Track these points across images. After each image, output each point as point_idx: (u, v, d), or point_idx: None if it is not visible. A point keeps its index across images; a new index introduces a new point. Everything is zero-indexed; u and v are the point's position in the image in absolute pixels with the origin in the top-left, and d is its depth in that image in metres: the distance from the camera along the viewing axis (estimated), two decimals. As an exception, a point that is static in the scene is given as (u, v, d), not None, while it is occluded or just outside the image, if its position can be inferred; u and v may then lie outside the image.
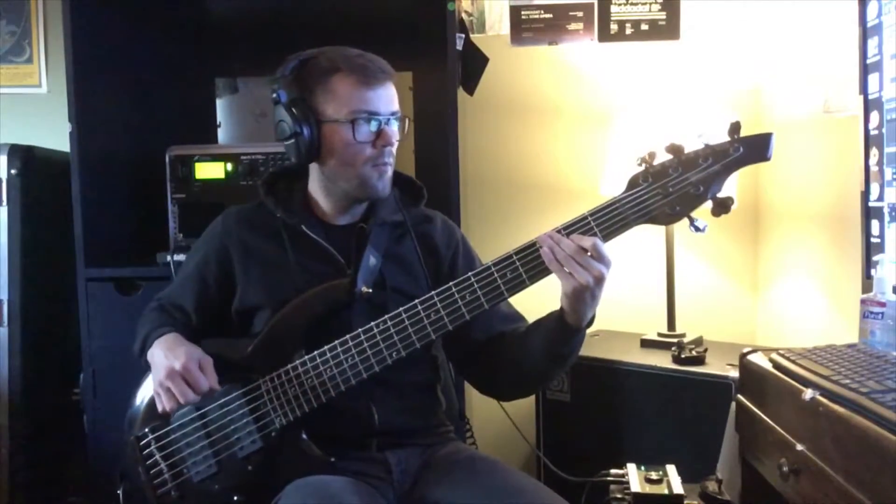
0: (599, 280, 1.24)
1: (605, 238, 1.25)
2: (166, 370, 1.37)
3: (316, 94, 1.40)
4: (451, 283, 1.31)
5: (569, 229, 1.26)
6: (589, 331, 2.31)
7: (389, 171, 1.45)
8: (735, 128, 1.22)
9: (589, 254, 1.23)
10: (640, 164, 1.25)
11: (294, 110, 1.40)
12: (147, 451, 1.46)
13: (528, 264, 1.28)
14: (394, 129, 1.43)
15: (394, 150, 1.44)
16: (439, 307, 1.30)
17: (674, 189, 1.23)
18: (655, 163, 1.25)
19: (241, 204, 1.58)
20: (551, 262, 1.25)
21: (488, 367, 1.50)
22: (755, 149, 1.22)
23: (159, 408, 1.40)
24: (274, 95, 1.42)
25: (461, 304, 1.30)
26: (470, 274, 1.30)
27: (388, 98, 1.42)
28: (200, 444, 1.41)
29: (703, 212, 1.25)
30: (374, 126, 1.40)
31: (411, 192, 1.55)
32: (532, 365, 1.41)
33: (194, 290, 1.52)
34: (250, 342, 1.43)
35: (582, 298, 1.26)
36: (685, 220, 1.25)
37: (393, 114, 1.42)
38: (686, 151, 1.24)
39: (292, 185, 1.52)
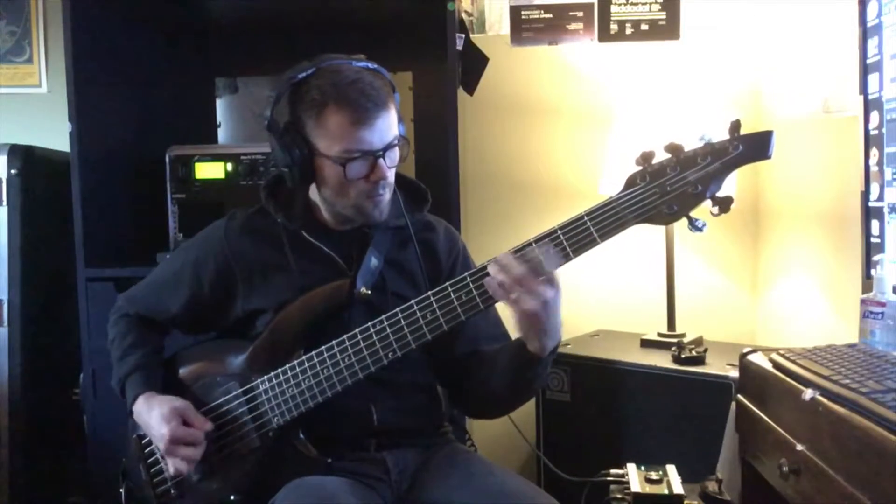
0: (545, 305, 1.21)
1: (602, 238, 1.23)
2: (163, 445, 1.39)
3: (308, 125, 1.36)
4: (447, 284, 1.30)
5: (564, 229, 1.24)
6: (589, 331, 2.34)
7: (386, 197, 1.41)
8: (735, 126, 1.20)
9: (539, 278, 1.20)
10: (638, 164, 1.23)
11: (286, 140, 1.37)
12: (148, 449, 1.47)
13: None
14: (391, 157, 1.38)
15: (391, 176, 1.40)
16: (435, 307, 1.29)
17: (672, 188, 1.21)
18: (654, 162, 1.23)
19: (241, 204, 1.57)
20: (496, 292, 1.23)
21: (459, 382, 1.49)
22: (755, 147, 1.19)
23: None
24: (265, 123, 1.38)
25: (457, 305, 1.28)
26: (466, 274, 1.29)
27: (382, 130, 1.35)
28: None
29: (702, 211, 1.24)
30: (366, 163, 1.36)
31: (415, 196, 1.54)
32: (496, 386, 1.39)
33: (186, 291, 1.50)
34: (250, 343, 1.43)
35: (533, 326, 1.24)
36: (684, 220, 1.23)
37: (389, 145, 1.36)
38: (685, 150, 1.22)
39: (294, 190, 1.50)
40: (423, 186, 1.55)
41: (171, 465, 1.40)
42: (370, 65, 1.40)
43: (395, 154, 1.40)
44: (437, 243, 1.53)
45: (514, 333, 1.34)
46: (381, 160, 1.36)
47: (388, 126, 1.36)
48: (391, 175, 1.40)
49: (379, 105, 1.34)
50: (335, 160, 1.35)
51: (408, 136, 1.44)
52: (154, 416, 1.40)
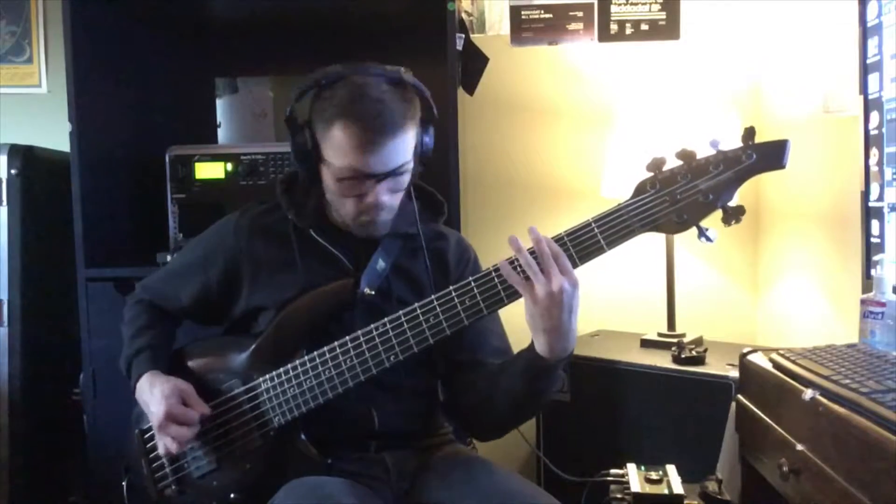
0: (560, 294, 1.17)
1: (609, 246, 1.21)
2: (157, 422, 1.38)
3: (318, 130, 1.36)
4: (451, 288, 1.29)
5: (571, 236, 1.22)
6: (589, 331, 2.34)
7: (383, 218, 1.40)
8: (749, 134, 1.17)
9: (557, 262, 1.19)
10: (648, 170, 1.20)
11: (299, 138, 1.38)
12: (150, 444, 1.47)
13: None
14: (395, 182, 1.36)
15: (389, 200, 1.38)
16: (438, 311, 1.29)
17: (682, 196, 1.18)
18: (665, 169, 1.20)
19: (241, 204, 1.56)
20: (510, 275, 1.21)
21: (457, 392, 1.46)
22: (769, 156, 1.16)
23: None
24: (286, 114, 1.39)
25: (461, 310, 1.27)
26: (471, 279, 1.28)
27: (385, 156, 1.32)
28: (201, 440, 1.41)
29: (712, 220, 1.20)
30: (362, 184, 1.35)
31: (432, 206, 1.53)
32: (500, 398, 1.35)
33: (196, 283, 1.51)
34: (253, 341, 1.43)
35: (544, 318, 1.20)
36: (693, 229, 1.20)
37: (392, 171, 1.34)
38: (697, 158, 1.18)
39: (309, 188, 1.48)
40: (441, 198, 1.55)
41: (161, 444, 1.40)
42: (407, 79, 1.36)
43: (402, 179, 1.38)
44: (448, 253, 1.51)
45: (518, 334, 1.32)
46: (378, 186, 1.35)
47: (396, 152, 1.33)
48: (390, 199, 1.38)
49: (386, 133, 1.31)
50: (334, 173, 1.36)
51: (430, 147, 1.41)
52: (155, 392, 1.40)
